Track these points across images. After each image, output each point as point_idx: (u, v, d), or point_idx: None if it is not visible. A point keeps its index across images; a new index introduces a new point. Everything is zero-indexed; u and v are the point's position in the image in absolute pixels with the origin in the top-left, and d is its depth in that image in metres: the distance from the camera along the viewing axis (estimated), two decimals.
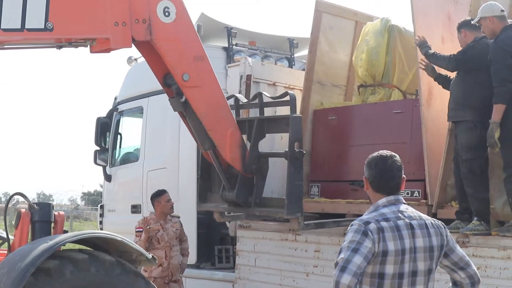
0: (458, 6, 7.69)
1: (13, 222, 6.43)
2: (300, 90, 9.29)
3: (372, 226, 3.49)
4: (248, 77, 9.16)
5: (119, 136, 11.27)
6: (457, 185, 6.87)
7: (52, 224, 6.29)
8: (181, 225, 8.63)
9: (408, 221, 3.58)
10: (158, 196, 8.50)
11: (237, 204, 7.40)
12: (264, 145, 7.71)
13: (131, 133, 11.18)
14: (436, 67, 7.08)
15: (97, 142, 11.28)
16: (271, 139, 8.52)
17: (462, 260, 3.75)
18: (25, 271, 5.17)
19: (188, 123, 7.31)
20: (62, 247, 5.86)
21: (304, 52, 10.13)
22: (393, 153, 3.73)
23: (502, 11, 6.54)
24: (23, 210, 6.17)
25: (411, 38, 7.87)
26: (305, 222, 7.08)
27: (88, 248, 6.09)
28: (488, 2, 6.63)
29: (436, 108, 7.26)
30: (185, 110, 7.07)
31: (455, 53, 6.79)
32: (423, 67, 7.12)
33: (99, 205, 12.21)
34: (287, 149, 6.94)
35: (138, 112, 10.88)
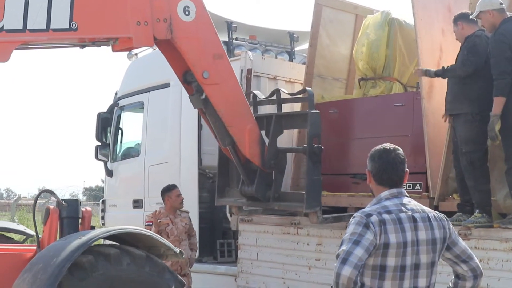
0: None
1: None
2: (301, 84, 9.29)
3: (374, 218, 3.50)
4: (249, 71, 9.16)
5: (120, 131, 11.29)
6: (458, 177, 6.87)
7: (80, 220, 6.44)
8: (190, 220, 8.70)
9: (410, 214, 3.58)
10: (169, 191, 8.56)
11: (256, 199, 7.54)
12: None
13: (132, 128, 11.18)
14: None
15: (98, 137, 11.29)
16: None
17: (465, 253, 3.75)
18: (62, 266, 5.26)
19: (207, 120, 7.43)
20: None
21: (305, 45, 10.13)
22: (396, 146, 3.73)
23: (501, 4, 6.53)
24: (51, 206, 6.30)
25: (412, 31, 7.87)
26: (324, 216, 7.15)
27: (115, 243, 6.18)
28: None
29: (437, 100, 7.25)
30: (205, 107, 7.19)
31: (465, 55, 6.68)
32: (422, 75, 7.07)
33: (100, 200, 12.23)
34: (305, 145, 7.07)
35: (138, 107, 10.88)
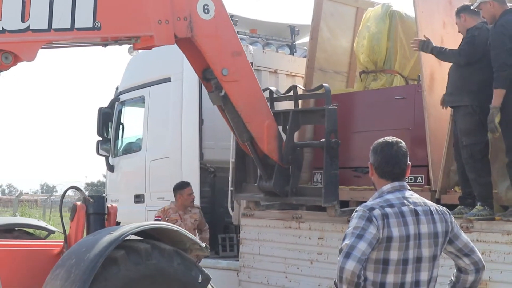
0: None
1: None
2: (302, 77, 9.27)
3: (377, 212, 3.49)
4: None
5: (121, 126, 11.29)
6: (459, 170, 6.86)
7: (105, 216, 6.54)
8: (202, 215, 8.75)
9: (413, 207, 3.57)
10: (181, 188, 8.64)
11: (273, 194, 7.61)
12: None
13: (133, 123, 11.18)
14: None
15: (100, 133, 11.28)
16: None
17: (467, 246, 3.74)
18: (96, 260, 5.33)
19: (226, 116, 7.51)
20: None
21: (306, 39, 10.12)
22: (399, 139, 3.72)
23: None
24: (78, 203, 6.38)
25: (413, 24, 7.84)
26: (341, 209, 7.20)
27: (140, 238, 6.23)
28: None
29: (438, 93, 7.23)
30: (224, 104, 7.28)
31: (462, 45, 6.71)
32: (416, 48, 7.04)
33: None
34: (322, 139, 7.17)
35: (139, 102, 10.88)
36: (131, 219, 8.79)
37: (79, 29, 6.13)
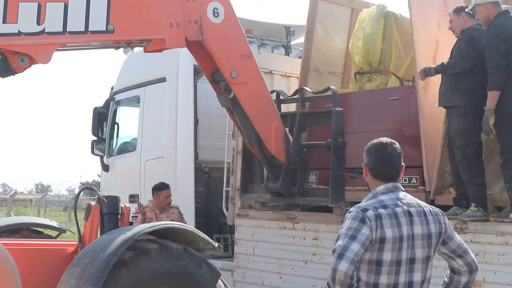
0: None
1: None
2: (297, 78, 9.28)
3: (370, 213, 3.50)
4: None
5: (116, 126, 11.28)
6: (453, 171, 6.86)
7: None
8: (181, 215, 8.73)
9: (406, 208, 3.57)
10: (159, 190, 8.71)
11: (280, 194, 7.68)
12: None
13: (128, 122, 11.18)
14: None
15: (94, 132, 11.27)
16: None
17: (460, 247, 3.75)
18: (108, 260, 5.43)
19: (234, 118, 7.61)
20: None
21: (301, 39, 10.12)
22: (393, 140, 3.73)
23: None
24: (92, 203, 6.51)
25: (408, 25, 7.85)
26: (348, 209, 7.18)
27: (151, 237, 6.31)
28: None
29: (433, 94, 7.23)
30: (233, 106, 7.39)
31: (463, 49, 6.63)
32: (423, 77, 7.04)
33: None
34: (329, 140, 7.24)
35: (135, 101, 10.88)
36: None
37: (92, 32, 6.23)
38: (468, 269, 3.76)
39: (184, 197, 9.47)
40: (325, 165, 8.20)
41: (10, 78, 6.09)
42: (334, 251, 3.43)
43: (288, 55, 10.63)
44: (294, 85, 9.44)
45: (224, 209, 9.23)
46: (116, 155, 11.24)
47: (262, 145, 7.48)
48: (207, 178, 10.08)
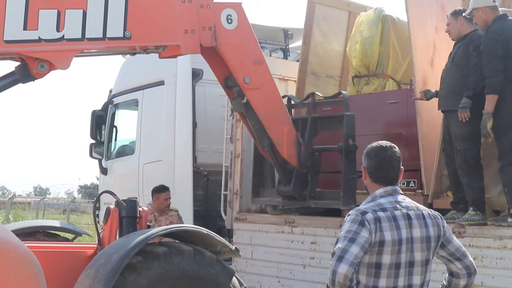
0: None
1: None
2: (295, 81, 9.29)
3: (369, 216, 3.50)
4: None
5: (114, 129, 11.28)
6: (451, 175, 6.87)
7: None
8: (180, 218, 8.72)
9: (405, 211, 3.58)
10: (158, 192, 8.70)
11: (292, 198, 7.74)
12: None
13: (126, 126, 11.17)
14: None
15: (93, 135, 11.28)
16: None
17: (459, 250, 3.75)
18: (120, 262, 5.50)
19: (247, 123, 7.68)
20: None
21: (299, 43, 10.12)
22: (392, 144, 3.73)
23: (494, 1, 6.52)
24: (111, 206, 6.59)
25: (405, 28, 7.87)
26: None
27: (166, 239, 6.40)
28: None
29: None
30: (246, 111, 7.48)
31: (477, 57, 6.52)
32: (424, 99, 7.06)
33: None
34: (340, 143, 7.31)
35: (133, 104, 10.88)
36: None
37: (110, 39, 6.30)
38: (466, 272, 3.77)
39: (182, 200, 9.47)
40: (324, 168, 8.23)
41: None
42: (333, 254, 3.43)
43: (286, 59, 10.64)
44: (291, 89, 9.45)
45: (222, 213, 9.24)
46: (115, 158, 11.24)
47: (274, 149, 7.57)
48: (205, 181, 10.08)
